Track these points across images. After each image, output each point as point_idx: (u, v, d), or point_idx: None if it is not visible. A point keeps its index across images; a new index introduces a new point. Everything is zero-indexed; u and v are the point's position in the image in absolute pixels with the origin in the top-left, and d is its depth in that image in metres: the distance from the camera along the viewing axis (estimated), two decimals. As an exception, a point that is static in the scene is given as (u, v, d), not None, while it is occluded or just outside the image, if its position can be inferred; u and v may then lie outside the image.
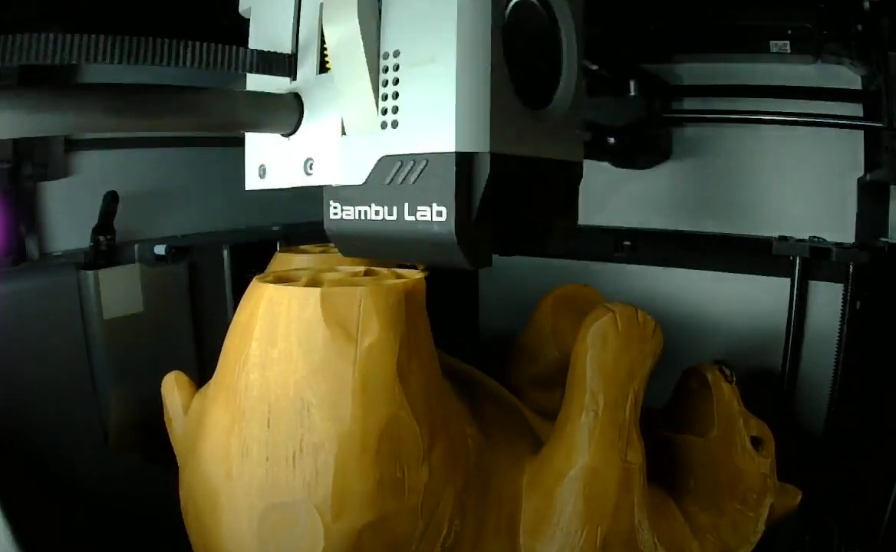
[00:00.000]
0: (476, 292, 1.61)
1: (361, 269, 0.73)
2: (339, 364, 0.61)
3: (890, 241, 1.16)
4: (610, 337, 0.75)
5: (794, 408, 1.26)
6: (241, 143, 1.26)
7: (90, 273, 0.98)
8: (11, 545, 0.73)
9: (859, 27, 1.06)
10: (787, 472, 0.93)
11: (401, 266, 0.73)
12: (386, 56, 0.58)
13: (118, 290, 1.01)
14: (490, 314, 1.61)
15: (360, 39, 0.57)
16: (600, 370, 0.74)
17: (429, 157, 0.56)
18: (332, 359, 0.61)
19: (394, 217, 0.58)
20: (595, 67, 1.28)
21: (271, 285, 0.66)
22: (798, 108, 1.19)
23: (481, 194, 0.56)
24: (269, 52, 0.64)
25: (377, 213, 0.59)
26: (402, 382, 0.62)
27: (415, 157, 0.56)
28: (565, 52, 0.64)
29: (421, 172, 0.56)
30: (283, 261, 0.90)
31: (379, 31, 0.58)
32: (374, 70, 0.58)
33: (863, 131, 1.17)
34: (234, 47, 0.59)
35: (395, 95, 0.57)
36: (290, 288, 0.64)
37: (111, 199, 1.02)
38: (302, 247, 0.93)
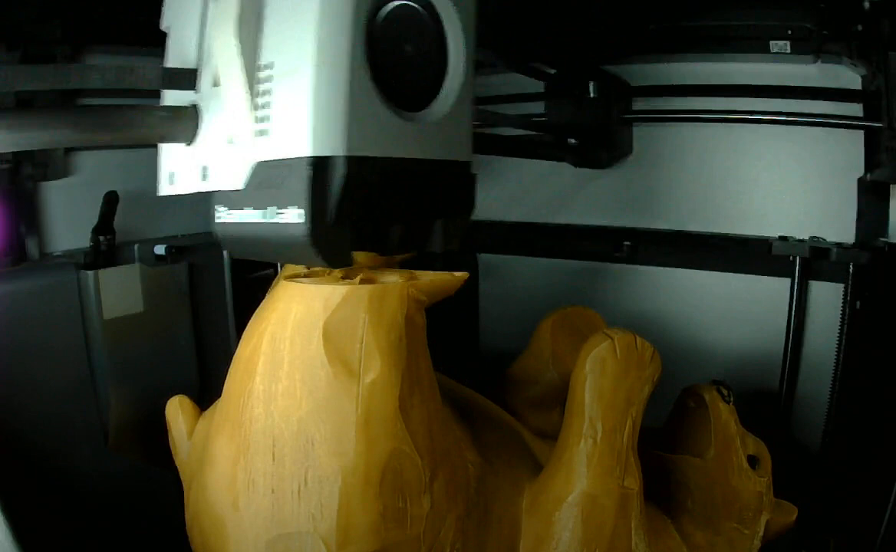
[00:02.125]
0: (476, 292, 1.61)
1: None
2: (343, 401, 0.63)
3: (890, 241, 1.16)
4: (608, 364, 0.76)
5: (794, 408, 1.26)
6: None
7: (90, 273, 0.98)
8: (11, 545, 0.73)
9: (859, 27, 1.06)
10: (786, 477, 0.94)
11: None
12: (261, 68, 0.61)
13: (118, 290, 1.01)
14: (490, 313, 1.61)
15: (238, 53, 0.60)
16: (599, 397, 0.75)
17: (290, 163, 0.58)
18: (336, 396, 0.63)
19: (265, 219, 0.61)
20: (553, 71, 1.30)
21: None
22: (798, 108, 1.19)
23: (337, 196, 0.58)
24: (173, 68, 0.69)
25: (251, 215, 0.63)
26: (403, 417, 0.64)
27: (280, 163, 0.60)
28: (451, 55, 0.66)
29: (284, 177, 0.59)
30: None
31: (257, 46, 0.62)
32: (252, 82, 0.61)
33: (863, 131, 1.17)
34: (142, 66, 0.63)
35: (267, 105, 0.61)
36: (293, 317, 0.66)
37: (111, 199, 1.01)
38: None
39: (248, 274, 1.23)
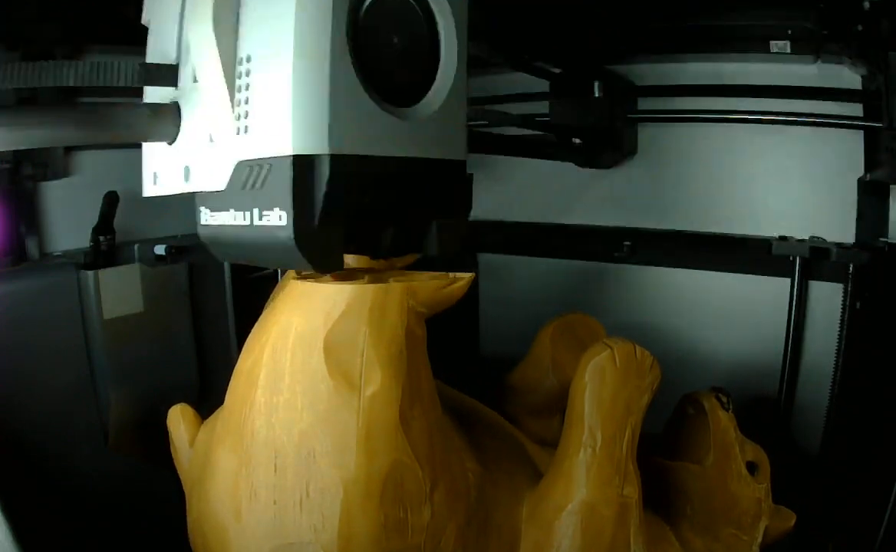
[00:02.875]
0: (476, 292, 1.61)
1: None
2: (344, 414, 0.63)
3: (890, 241, 1.16)
4: (608, 373, 0.76)
5: (794, 408, 1.26)
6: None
7: (90, 273, 0.98)
8: (11, 545, 0.73)
9: (859, 27, 1.06)
10: (785, 478, 0.94)
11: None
12: (240, 61, 0.58)
13: (118, 290, 1.01)
14: (490, 313, 1.61)
15: (216, 46, 0.57)
16: (598, 406, 0.76)
17: (272, 161, 0.56)
18: (337, 410, 0.63)
19: (247, 222, 0.59)
20: (558, 70, 1.29)
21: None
22: (798, 108, 1.19)
23: (323, 196, 0.55)
24: (151, 64, 0.66)
25: (234, 218, 0.60)
26: (404, 428, 0.64)
27: (261, 162, 0.57)
28: (443, 50, 0.64)
29: (266, 177, 0.56)
30: None
31: (236, 39, 0.59)
32: (231, 76, 0.58)
33: (863, 131, 1.17)
34: (118, 62, 0.60)
35: (247, 101, 0.58)
36: (294, 330, 0.66)
37: (111, 199, 1.02)
38: None
39: (248, 274, 1.23)
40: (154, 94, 0.68)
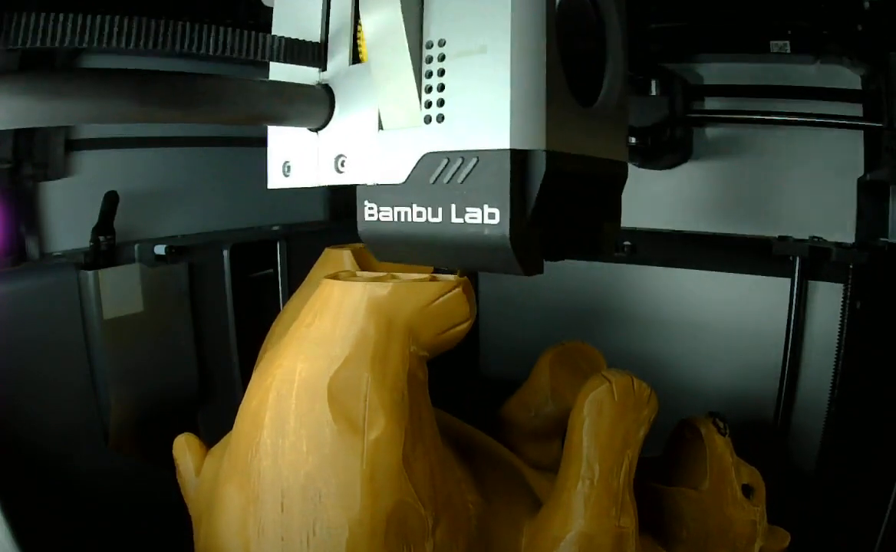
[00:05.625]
0: (475, 293, 1.61)
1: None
2: (348, 457, 0.64)
3: (890, 241, 1.16)
4: (606, 407, 0.77)
5: (794, 406, 1.26)
6: (242, 142, 1.27)
7: (90, 273, 0.98)
8: (11, 545, 0.73)
9: (859, 27, 1.06)
10: (785, 482, 0.93)
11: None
12: (430, 45, 0.54)
13: (118, 290, 1.01)
14: (491, 314, 1.61)
15: (403, 28, 0.53)
16: (596, 440, 0.76)
17: (479, 155, 0.52)
18: (341, 453, 0.64)
19: (439, 219, 0.54)
20: None
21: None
22: (798, 108, 1.19)
23: (536, 195, 0.52)
24: (297, 39, 0.60)
25: (419, 214, 0.55)
26: (407, 470, 0.66)
27: (463, 155, 0.52)
28: (611, 48, 0.62)
29: (471, 171, 0.52)
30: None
31: (422, 19, 0.54)
32: (417, 60, 0.54)
33: (863, 131, 1.17)
34: (260, 34, 0.55)
35: (441, 88, 0.54)
36: (298, 375, 0.67)
37: (111, 199, 1.02)
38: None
39: (249, 274, 1.23)
40: (279, 76, 0.63)
